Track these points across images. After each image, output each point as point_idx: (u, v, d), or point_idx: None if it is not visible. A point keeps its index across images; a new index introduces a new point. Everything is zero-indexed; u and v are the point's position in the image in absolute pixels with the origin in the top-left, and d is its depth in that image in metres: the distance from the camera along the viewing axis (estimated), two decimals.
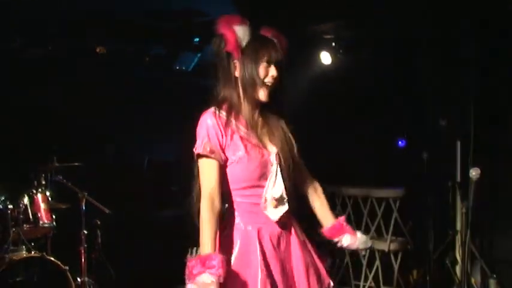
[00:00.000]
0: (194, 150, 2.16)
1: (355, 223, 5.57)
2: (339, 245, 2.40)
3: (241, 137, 2.16)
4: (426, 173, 4.59)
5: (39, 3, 4.91)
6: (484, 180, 3.94)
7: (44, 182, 4.65)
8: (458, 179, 4.80)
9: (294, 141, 2.27)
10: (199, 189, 2.16)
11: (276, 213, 2.18)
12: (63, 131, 5.73)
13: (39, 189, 4.54)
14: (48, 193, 4.61)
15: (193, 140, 2.21)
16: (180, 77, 6.50)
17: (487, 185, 4.45)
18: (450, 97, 4.60)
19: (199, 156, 2.15)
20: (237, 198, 2.19)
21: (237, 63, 2.18)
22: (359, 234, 2.41)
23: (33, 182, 4.59)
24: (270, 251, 2.16)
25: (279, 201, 2.17)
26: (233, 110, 2.19)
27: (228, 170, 2.17)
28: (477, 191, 3.81)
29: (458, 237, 4.73)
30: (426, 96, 4.79)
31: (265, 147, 2.20)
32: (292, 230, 2.26)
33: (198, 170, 2.17)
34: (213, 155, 2.13)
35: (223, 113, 2.17)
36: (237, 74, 2.19)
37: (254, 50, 2.17)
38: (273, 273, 2.13)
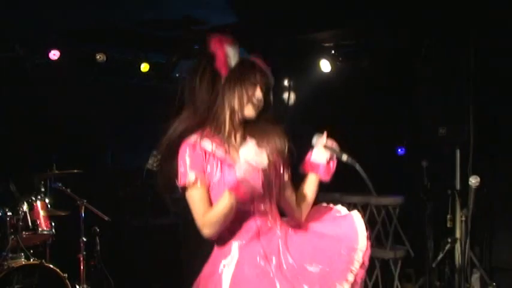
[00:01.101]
0: (178, 183, 2.14)
1: None
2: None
3: (226, 163, 2.15)
4: (426, 181, 4.59)
5: (40, 12, 4.93)
6: (484, 188, 3.93)
7: (43, 189, 4.65)
8: (458, 187, 4.79)
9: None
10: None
11: None
12: (63, 139, 5.74)
13: (39, 197, 4.53)
14: (47, 200, 4.61)
15: None
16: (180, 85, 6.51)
17: (486, 193, 4.45)
18: (449, 105, 4.61)
19: (185, 188, 2.13)
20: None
21: (223, 82, 2.19)
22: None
23: (32, 189, 4.58)
24: (261, 265, 2.15)
25: None
26: (215, 134, 2.18)
27: (213, 193, 2.15)
28: (476, 199, 3.81)
29: (457, 245, 4.72)
30: (425, 104, 4.80)
31: None
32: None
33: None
34: (198, 184, 2.11)
35: (205, 140, 2.15)
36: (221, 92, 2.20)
37: (242, 70, 2.21)
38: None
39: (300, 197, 2.35)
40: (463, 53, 4.54)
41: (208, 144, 2.15)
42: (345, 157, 2.31)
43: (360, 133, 5.68)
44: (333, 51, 5.72)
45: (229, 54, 2.20)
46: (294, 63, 6.15)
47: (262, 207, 2.20)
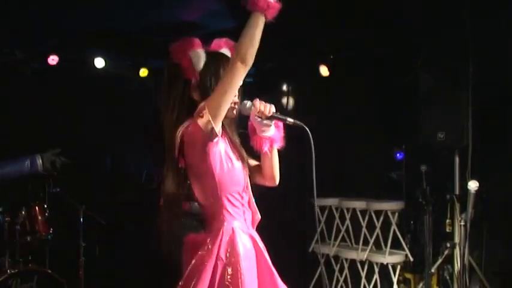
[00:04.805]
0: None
1: (354, 235, 5.58)
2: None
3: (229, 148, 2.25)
4: (424, 185, 4.59)
5: (39, 17, 4.93)
6: (483, 193, 3.93)
7: (41, 194, 4.64)
8: (457, 191, 4.79)
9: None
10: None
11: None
12: (61, 143, 5.73)
13: (37, 201, 4.53)
14: (46, 205, 4.60)
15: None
16: None
17: (485, 197, 4.44)
18: (448, 110, 4.61)
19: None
20: (225, 202, 2.23)
21: (196, 88, 2.20)
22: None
23: (30, 193, 4.58)
24: (260, 252, 2.27)
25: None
26: None
27: (220, 175, 2.19)
28: (475, 203, 3.81)
29: (456, 250, 4.71)
30: (424, 109, 4.80)
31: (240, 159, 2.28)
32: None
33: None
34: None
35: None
36: (196, 97, 2.21)
37: (213, 72, 2.21)
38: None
39: (271, 171, 2.38)
40: (462, 58, 4.54)
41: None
42: (290, 120, 2.25)
43: (358, 138, 5.68)
44: (332, 56, 5.73)
45: (195, 60, 2.19)
46: (293, 68, 6.15)
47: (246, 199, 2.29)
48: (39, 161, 3.56)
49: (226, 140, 2.25)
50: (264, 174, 2.39)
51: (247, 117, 2.30)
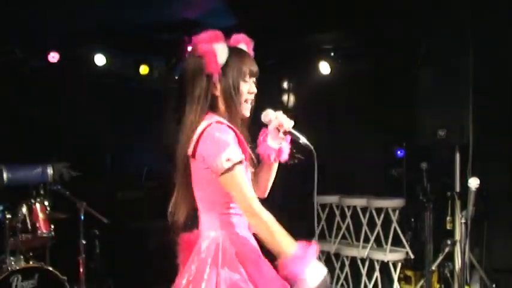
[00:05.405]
0: (224, 161, 2.04)
1: (354, 233, 5.58)
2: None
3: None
4: (425, 183, 4.59)
5: (39, 15, 4.93)
6: (483, 190, 3.93)
7: (42, 192, 4.64)
8: (457, 189, 4.80)
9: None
10: (241, 200, 2.08)
11: None
12: (62, 141, 5.73)
13: (38, 199, 4.52)
14: (46, 203, 4.60)
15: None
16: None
17: (486, 194, 4.44)
18: (448, 107, 4.61)
19: (235, 165, 2.05)
20: (231, 209, 2.20)
21: (217, 83, 2.16)
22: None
23: (31, 191, 4.58)
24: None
25: None
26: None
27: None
28: (476, 200, 3.81)
29: (457, 247, 4.72)
30: (424, 107, 4.80)
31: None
32: None
33: (230, 181, 2.06)
34: (244, 163, 2.10)
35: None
36: (217, 93, 2.17)
37: (235, 67, 2.17)
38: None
39: (266, 182, 2.40)
40: (462, 55, 4.54)
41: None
42: (303, 140, 2.24)
43: (359, 136, 5.68)
44: (332, 53, 5.73)
45: (219, 54, 2.14)
46: (294, 65, 6.15)
47: None
48: (50, 172, 3.61)
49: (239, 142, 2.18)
50: (257, 184, 2.36)
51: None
